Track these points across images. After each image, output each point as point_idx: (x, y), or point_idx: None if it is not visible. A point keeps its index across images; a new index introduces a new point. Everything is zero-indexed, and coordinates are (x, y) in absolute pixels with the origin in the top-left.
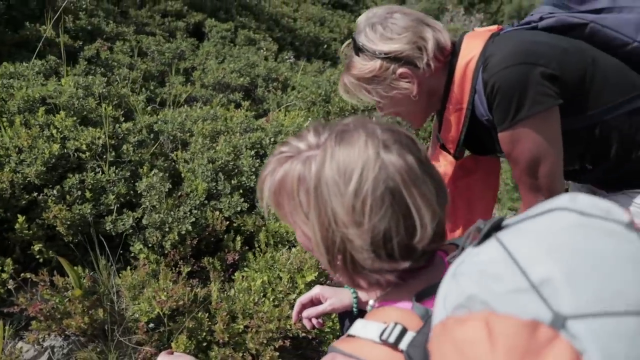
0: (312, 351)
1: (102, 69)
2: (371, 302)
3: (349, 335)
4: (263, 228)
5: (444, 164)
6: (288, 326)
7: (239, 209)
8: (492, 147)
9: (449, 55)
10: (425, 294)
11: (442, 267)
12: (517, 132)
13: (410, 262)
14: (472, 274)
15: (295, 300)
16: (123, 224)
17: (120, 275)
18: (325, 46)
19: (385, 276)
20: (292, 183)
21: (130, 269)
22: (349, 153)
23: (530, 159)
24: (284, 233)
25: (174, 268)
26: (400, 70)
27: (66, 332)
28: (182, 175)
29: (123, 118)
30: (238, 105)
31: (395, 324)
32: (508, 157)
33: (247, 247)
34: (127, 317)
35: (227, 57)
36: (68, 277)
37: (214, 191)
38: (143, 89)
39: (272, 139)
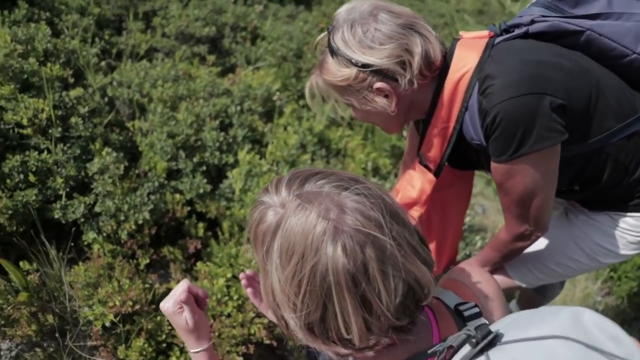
0: (276, 358)
1: (47, 14)
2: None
3: None
4: (227, 212)
5: (421, 181)
6: (252, 331)
7: (201, 191)
8: (477, 164)
9: (437, 70)
10: None
11: (428, 332)
12: (515, 167)
13: (353, 350)
14: None
15: None
16: (74, 212)
17: (72, 268)
18: None
19: (334, 353)
20: (258, 236)
21: (83, 262)
22: (298, 229)
23: (524, 193)
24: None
25: (130, 260)
26: (379, 84)
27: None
28: (140, 149)
29: (72, 79)
30: (203, 59)
31: None
32: (499, 187)
33: (210, 233)
34: (80, 319)
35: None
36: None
37: (174, 168)
38: (96, 38)
39: (239, 107)
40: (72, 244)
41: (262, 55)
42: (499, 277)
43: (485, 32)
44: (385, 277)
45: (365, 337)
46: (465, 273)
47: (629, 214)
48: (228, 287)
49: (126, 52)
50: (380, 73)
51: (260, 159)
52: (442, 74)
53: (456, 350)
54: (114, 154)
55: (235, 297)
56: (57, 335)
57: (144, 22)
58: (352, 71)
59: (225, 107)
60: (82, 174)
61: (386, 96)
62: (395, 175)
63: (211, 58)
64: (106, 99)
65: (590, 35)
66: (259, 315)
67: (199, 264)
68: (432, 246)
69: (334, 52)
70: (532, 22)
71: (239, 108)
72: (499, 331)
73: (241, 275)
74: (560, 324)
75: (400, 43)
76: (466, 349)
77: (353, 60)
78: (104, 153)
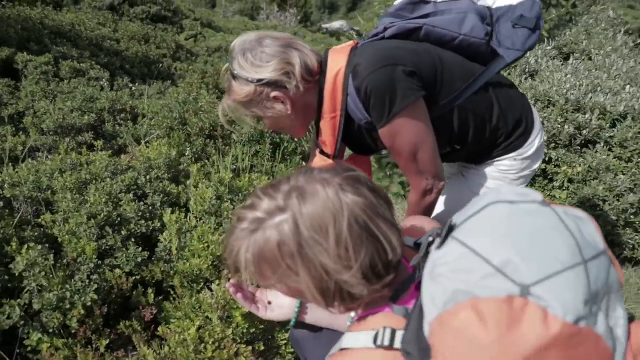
0: None
1: None
2: (352, 314)
3: (343, 349)
4: (172, 271)
5: None
6: None
7: (139, 259)
8: (374, 146)
9: (318, 74)
10: (398, 294)
11: (403, 267)
12: (395, 125)
13: (394, 273)
14: (448, 273)
15: (233, 334)
16: (8, 318)
17: None
18: (160, 65)
19: (379, 293)
20: (274, 252)
21: None
22: (317, 208)
23: (411, 148)
24: (196, 271)
25: (88, 346)
26: (274, 93)
27: None
28: (59, 240)
29: None
30: (90, 147)
31: (385, 328)
32: (391, 150)
33: (160, 298)
34: None
35: (58, 95)
36: None
37: (105, 248)
38: None
39: (147, 177)
40: (18, 351)
41: (148, 130)
42: None
43: (351, 42)
44: (376, 197)
45: (402, 243)
46: (408, 223)
47: (501, 158)
48: (200, 335)
49: (4, 157)
50: (272, 84)
51: (185, 217)
52: (323, 77)
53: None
54: (39, 247)
55: (211, 342)
56: None
57: (12, 126)
58: (251, 88)
59: (134, 180)
60: (5, 277)
61: (282, 102)
62: None
63: (99, 144)
64: (1, 204)
65: (427, 29)
66: (242, 343)
67: (160, 328)
68: None
69: (235, 77)
70: (385, 29)
71: (148, 177)
72: (452, 222)
73: (228, 285)
74: (489, 198)
75: (282, 59)
76: (437, 243)
77: (250, 79)
78: (23, 251)
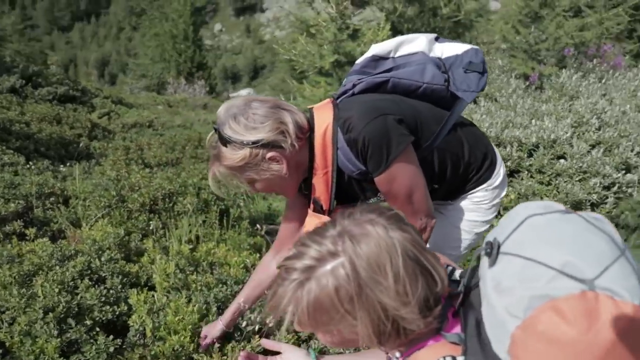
0: None
1: None
2: (397, 354)
3: None
4: (149, 356)
5: (315, 224)
6: None
7: (110, 349)
8: (362, 196)
9: (308, 131)
10: (442, 324)
11: None
12: (392, 171)
13: (440, 302)
14: (517, 284)
15: None
16: None
17: None
18: (78, 145)
19: (431, 326)
20: (331, 298)
21: None
22: (371, 248)
23: (407, 190)
24: (177, 348)
25: None
26: (270, 154)
27: None
28: (7, 344)
29: None
30: (21, 236)
31: (444, 357)
32: (387, 195)
33: None
34: None
35: None
36: None
37: (67, 343)
38: None
39: (101, 259)
40: None
41: (84, 211)
42: None
43: (328, 100)
44: (415, 232)
45: (446, 273)
46: None
47: (474, 190)
48: None
49: None
50: (268, 145)
51: (153, 296)
52: (312, 134)
53: (473, 271)
54: None
55: None
56: None
57: None
58: (245, 151)
59: (87, 264)
60: None
61: (278, 162)
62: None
63: (31, 231)
64: None
65: (394, 81)
66: None
67: None
68: None
69: (226, 142)
70: (354, 85)
71: (102, 259)
72: (496, 241)
73: (240, 358)
74: (522, 214)
75: (275, 119)
76: (485, 261)
77: (244, 142)
78: None
